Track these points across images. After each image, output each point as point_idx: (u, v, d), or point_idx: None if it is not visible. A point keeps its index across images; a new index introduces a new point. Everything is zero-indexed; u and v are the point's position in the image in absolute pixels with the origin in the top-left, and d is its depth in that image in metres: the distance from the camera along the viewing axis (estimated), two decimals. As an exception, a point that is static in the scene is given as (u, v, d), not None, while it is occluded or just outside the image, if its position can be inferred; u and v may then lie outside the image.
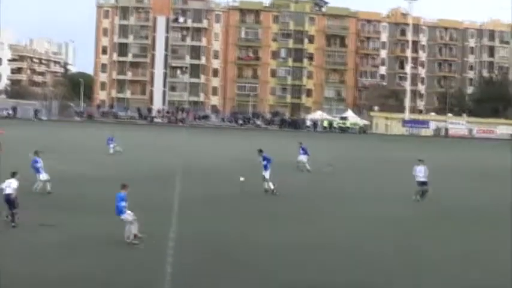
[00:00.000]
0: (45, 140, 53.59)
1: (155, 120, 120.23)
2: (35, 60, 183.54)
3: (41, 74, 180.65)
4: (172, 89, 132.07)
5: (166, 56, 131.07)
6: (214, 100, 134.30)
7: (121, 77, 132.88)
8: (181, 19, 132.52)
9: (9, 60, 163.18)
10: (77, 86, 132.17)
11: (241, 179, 30.09)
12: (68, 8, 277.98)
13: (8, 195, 21.43)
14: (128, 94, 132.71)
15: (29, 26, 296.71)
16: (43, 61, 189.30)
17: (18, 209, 21.38)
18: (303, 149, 42.98)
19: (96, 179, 33.50)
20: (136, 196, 20.13)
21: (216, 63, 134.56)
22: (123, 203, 19.50)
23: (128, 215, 19.45)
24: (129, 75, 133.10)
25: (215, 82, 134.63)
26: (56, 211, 23.93)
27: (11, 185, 21.60)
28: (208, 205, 27.22)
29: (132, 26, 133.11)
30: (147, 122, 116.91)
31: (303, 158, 42.46)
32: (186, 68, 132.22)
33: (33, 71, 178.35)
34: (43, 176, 27.90)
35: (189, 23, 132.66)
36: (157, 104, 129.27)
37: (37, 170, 27.96)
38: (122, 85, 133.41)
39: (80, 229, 21.23)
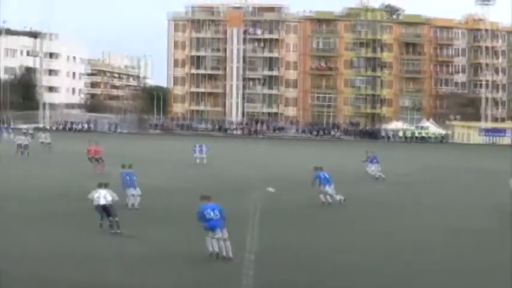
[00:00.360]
0: (126, 152, 54.26)
1: (233, 132, 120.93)
2: (111, 74, 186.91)
3: (117, 87, 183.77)
4: (249, 100, 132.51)
5: (240, 67, 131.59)
6: (290, 111, 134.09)
7: (197, 89, 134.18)
8: (257, 31, 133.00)
9: (87, 75, 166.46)
10: (154, 99, 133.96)
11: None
12: (136, 23, 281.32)
13: (104, 205, 22.27)
14: (203, 106, 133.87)
15: (101, 41, 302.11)
16: (120, 75, 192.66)
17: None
18: (374, 158, 43.53)
19: (177, 191, 33.87)
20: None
21: (290, 74, 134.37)
22: (216, 215, 19.17)
23: (225, 232, 19.10)
24: (204, 88, 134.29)
25: (290, 93, 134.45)
26: (137, 222, 24.25)
27: (105, 196, 22.44)
28: (288, 217, 27.20)
29: (206, 39, 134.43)
30: (224, 134, 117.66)
31: (373, 166, 43.12)
32: (261, 79, 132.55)
33: (110, 85, 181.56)
34: (134, 190, 27.76)
35: (263, 35, 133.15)
36: (234, 115, 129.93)
37: (127, 185, 27.86)
38: (197, 98, 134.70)
39: (160, 241, 21.51)
